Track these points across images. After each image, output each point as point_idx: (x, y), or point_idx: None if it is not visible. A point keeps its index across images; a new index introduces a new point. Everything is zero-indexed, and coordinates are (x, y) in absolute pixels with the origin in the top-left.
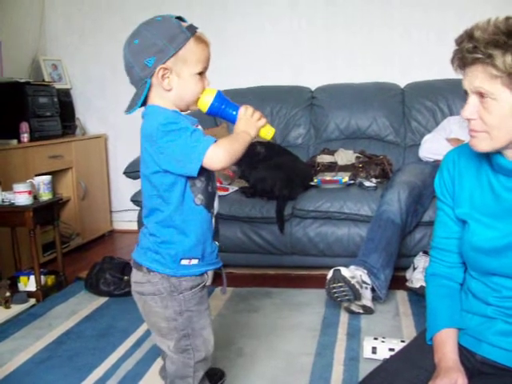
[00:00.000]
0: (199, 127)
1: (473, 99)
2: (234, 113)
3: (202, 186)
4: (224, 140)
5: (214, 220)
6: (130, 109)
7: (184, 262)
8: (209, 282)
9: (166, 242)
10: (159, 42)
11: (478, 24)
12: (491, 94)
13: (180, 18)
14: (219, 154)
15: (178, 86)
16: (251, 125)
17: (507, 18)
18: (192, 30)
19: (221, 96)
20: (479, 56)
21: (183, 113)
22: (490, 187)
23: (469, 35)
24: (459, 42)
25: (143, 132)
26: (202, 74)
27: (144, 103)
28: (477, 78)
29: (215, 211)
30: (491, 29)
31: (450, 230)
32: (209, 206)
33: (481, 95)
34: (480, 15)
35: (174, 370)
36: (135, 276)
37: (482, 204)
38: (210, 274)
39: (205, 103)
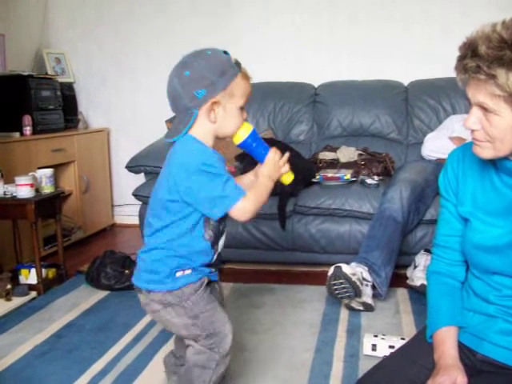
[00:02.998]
0: (226, 167)
1: (476, 111)
2: (263, 153)
3: (215, 224)
4: (252, 193)
5: (215, 256)
6: (172, 136)
7: (179, 273)
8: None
9: (160, 261)
10: (210, 75)
11: (482, 31)
12: (494, 110)
13: (226, 53)
14: (247, 209)
15: (222, 118)
16: (277, 169)
17: None
18: (239, 65)
19: (255, 134)
20: (482, 77)
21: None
22: (493, 185)
23: (472, 50)
24: (462, 56)
25: (177, 160)
26: (242, 108)
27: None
28: (480, 93)
29: (219, 248)
30: (495, 39)
31: (453, 227)
32: (214, 243)
33: (484, 109)
34: (485, 13)
35: (196, 359)
36: (140, 299)
37: (485, 202)
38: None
39: (239, 137)
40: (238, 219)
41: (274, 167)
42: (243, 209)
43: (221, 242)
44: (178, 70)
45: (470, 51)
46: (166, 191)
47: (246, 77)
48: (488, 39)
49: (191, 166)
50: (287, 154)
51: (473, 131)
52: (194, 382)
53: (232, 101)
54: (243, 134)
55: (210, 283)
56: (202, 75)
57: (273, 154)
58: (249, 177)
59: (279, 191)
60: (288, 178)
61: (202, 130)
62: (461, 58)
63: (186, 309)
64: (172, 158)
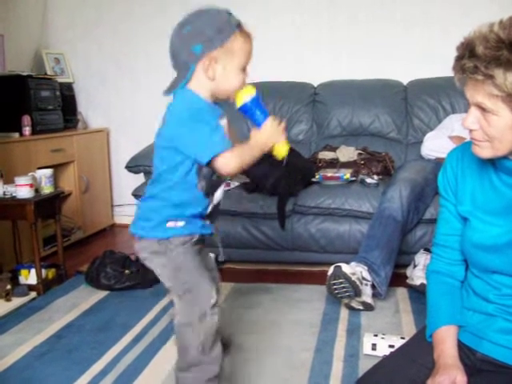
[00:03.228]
0: (224, 120)
1: (474, 110)
2: (263, 118)
3: (207, 173)
4: (240, 149)
5: (210, 207)
6: (170, 90)
7: (170, 224)
8: (218, 239)
9: (155, 210)
10: (208, 31)
11: (480, 31)
12: (492, 110)
13: (229, 13)
14: (231, 162)
15: (221, 76)
16: (272, 136)
17: (511, 24)
18: (239, 25)
19: (258, 99)
20: (480, 78)
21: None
22: (492, 185)
23: (470, 50)
24: (459, 56)
25: (171, 108)
26: (244, 69)
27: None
28: (478, 93)
29: (215, 200)
30: (492, 39)
31: (452, 227)
32: (208, 193)
33: (482, 109)
34: (485, 12)
35: (180, 318)
36: (134, 245)
37: (484, 201)
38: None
39: (241, 99)
40: (220, 170)
41: (271, 133)
42: (227, 160)
43: (217, 194)
44: (179, 26)
45: (467, 51)
46: (161, 138)
47: (247, 36)
48: (485, 39)
49: (183, 111)
50: (285, 121)
51: (471, 131)
52: (185, 343)
53: (232, 60)
54: (246, 98)
55: (202, 245)
56: (199, 31)
57: (271, 120)
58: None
59: (279, 191)
60: (283, 150)
61: (200, 85)
62: (458, 59)
63: (169, 259)
64: (168, 107)
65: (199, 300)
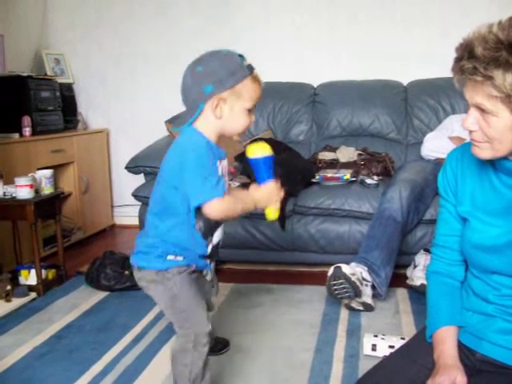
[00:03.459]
0: (224, 162)
1: (473, 111)
2: (266, 178)
3: (205, 215)
4: (232, 200)
5: (209, 248)
6: (178, 126)
7: (170, 257)
8: (209, 277)
9: (154, 246)
10: (220, 72)
11: (479, 32)
12: (491, 111)
13: (241, 56)
14: (219, 210)
15: (228, 116)
16: (269, 199)
17: (510, 24)
18: (251, 69)
19: (270, 161)
20: (479, 79)
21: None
22: (492, 185)
23: (469, 51)
24: (458, 57)
25: (174, 146)
26: (250, 110)
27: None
28: (478, 94)
29: (214, 241)
30: (491, 40)
31: (452, 227)
32: (206, 235)
33: (481, 110)
34: (484, 13)
35: (176, 344)
36: (134, 275)
37: (484, 202)
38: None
39: (254, 153)
40: (206, 214)
41: (268, 196)
42: (216, 208)
43: (216, 234)
44: (193, 64)
45: (466, 52)
46: (163, 175)
47: (257, 81)
48: (484, 40)
49: (186, 152)
50: (283, 193)
51: (471, 132)
52: (177, 367)
53: (239, 101)
54: (259, 152)
55: (199, 273)
56: (212, 71)
57: (273, 183)
58: (244, 192)
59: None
60: (273, 214)
61: (207, 124)
62: (457, 60)
63: (166, 288)
64: (172, 144)
65: (195, 328)
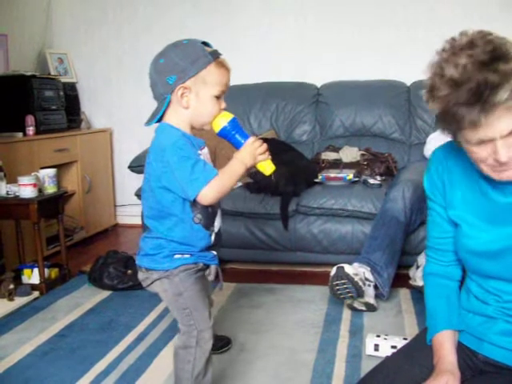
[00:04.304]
0: (204, 150)
1: (506, 140)
2: (243, 141)
3: (201, 205)
4: (216, 180)
5: (213, 236)
6: (149, 121)
7: (177, 256)
8: (211, 277)
9: (160, 247)
10: (182, 62)
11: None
12: None
13: (205, 43)
14: (210, 194)
15: (196, 105)
16: (252, 156)
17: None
18: (215, 55)
19: (235, 122)
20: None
21: (194, 132)
22: (481, 190)
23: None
24: (481, 88)
25: (153, 148)
26: (219, 97)
27: (161, 119)
28: (504, 121)
29: (216, 229)
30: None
31: (444, 229)
32: (208, 225)
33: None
34: (486, 13)
35: (179, 341)
36: (139, 276)
37: (475, 207)
38: (213, 268)
39: (218, 125)
40: (200, 203)
41: (250, 152)
42: (205, 195)
43: (216, 222)
44: (156, 58)
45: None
46: (148, 180)
47: (222, 66)
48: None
49: (163, 150)
50: (266, 144)
51: (505, 162)
52: (180, 364)
53: (205, 88)
54: (222, 122)
55: (204, 272)
56: (173, 62)
57: (251, 140)
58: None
59: (281, 191)
60: (268, 168)
61: (177, 116)
62: (480, 92)
63: (171, 285)
64: (151, 147)
65: (198, 325)
